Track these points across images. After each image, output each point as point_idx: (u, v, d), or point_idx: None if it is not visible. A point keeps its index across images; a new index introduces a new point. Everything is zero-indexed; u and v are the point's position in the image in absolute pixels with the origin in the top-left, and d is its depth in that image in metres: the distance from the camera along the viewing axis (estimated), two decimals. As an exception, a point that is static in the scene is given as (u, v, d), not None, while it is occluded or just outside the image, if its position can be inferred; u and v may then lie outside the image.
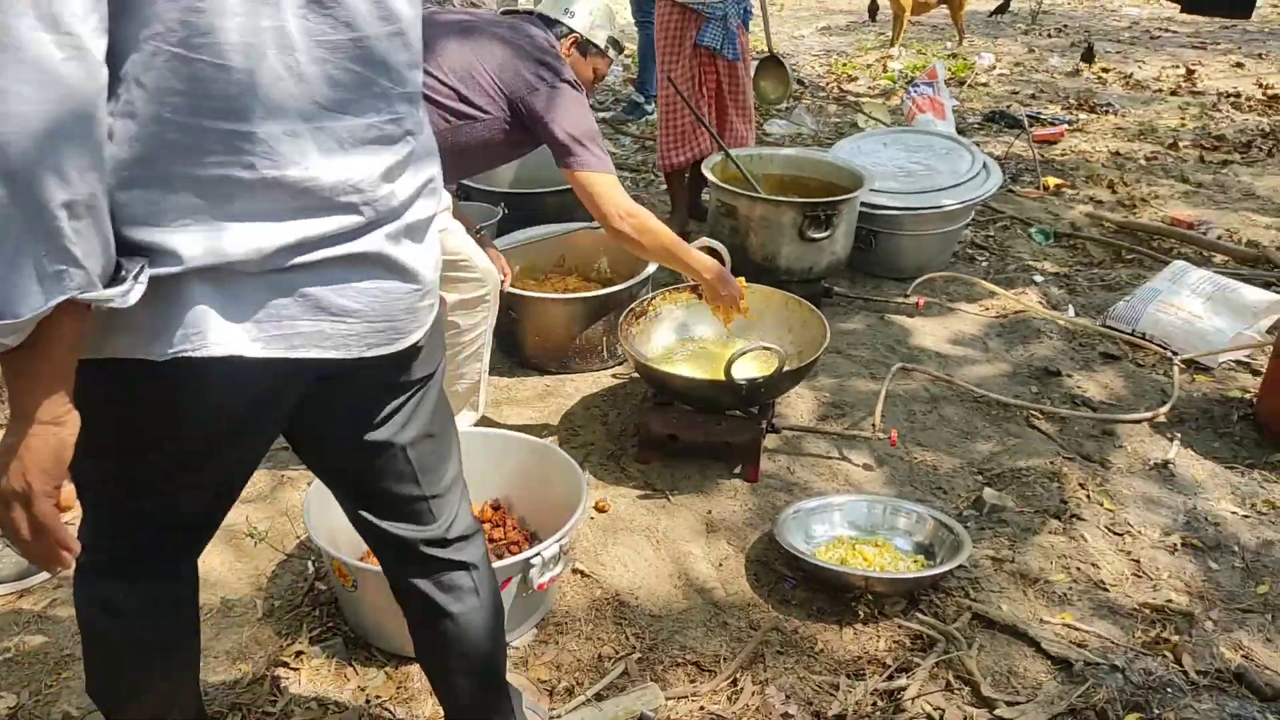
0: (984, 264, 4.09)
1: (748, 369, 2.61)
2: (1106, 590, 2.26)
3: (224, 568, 2.32)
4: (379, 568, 1.52)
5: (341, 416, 1.29)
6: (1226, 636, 2.12)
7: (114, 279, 0.96)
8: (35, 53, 0.85)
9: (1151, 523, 2.51)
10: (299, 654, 2.03)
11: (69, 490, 1.68)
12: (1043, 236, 4.32)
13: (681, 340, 2.97)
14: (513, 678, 1.93)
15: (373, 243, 1.14)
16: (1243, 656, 2.07)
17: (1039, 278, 3.95)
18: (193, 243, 1.00)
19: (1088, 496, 2.60)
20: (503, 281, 2.74)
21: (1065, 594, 2.26)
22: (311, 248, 1.09)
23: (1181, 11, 4.93)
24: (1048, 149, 5.58)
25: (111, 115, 0.94)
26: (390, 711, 1.90)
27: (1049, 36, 8.78)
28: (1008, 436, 2.89)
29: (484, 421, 2.74)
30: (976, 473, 2.72)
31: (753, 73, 4.25)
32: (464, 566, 1.46)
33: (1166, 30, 8.87)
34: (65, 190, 0.88)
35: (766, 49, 4.36)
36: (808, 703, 1.94)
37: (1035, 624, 2.15)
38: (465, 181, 3.48)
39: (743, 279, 2.73)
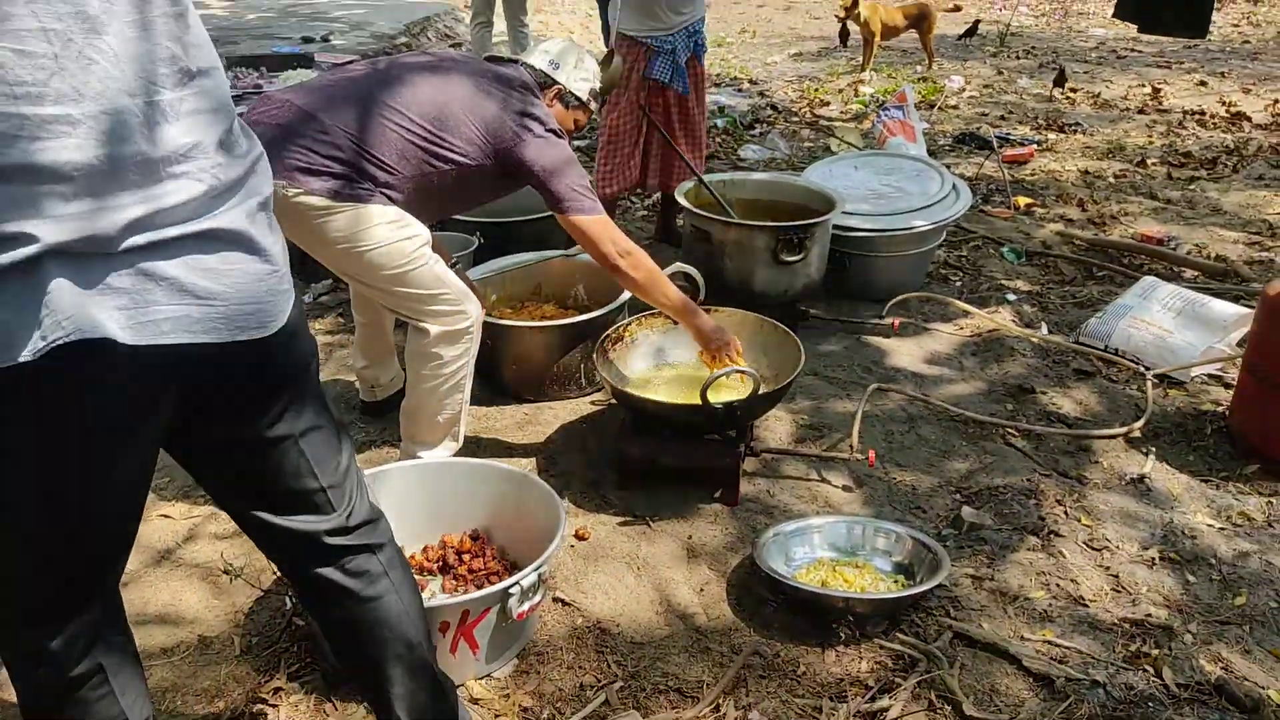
0: (958, 284, 4.12)
1: (725, 393, 2.61)
2: (1086, 606, 2.27)
3: (200, 605, 2.29)
4: None
5: (231, 415, 1.29)
6: (1206, 649, 2.13)
7: None
8: None
9: (1129, 537, 2.53)
10: (277, 690, 2.01)
11: None
12: (1014, 255, 4.35)
13: (658, 365, 2.98)
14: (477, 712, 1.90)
15: (224, 219, 1.16)
16: (1222, 669, 2.08)
17: (1012, 296, 3.98)
18: (41, 226, 1.01)
19: (1065, 513, 2.62)
20: (479, 312, 2.71)
21: (1045, 610, 2.27)
22: (161, 224, 1.11)
23: (1140, 31, 5.02)
24: (1018, 169, 5.65)
25: None
26: (370, 747, 1.86)
27: (1017, 58, 8.92)
28: (985, 454, 2.91)
29: (463, 451, 2.73)
30: (954, 491, 2.73)
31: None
32: (369, 549, 1.45)
33: (1132, 50, 9.03)
34: None
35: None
36: (791, 727, 1.93)
37: (1016, 641, 2.15)
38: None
39: (723, 309, 2.77)
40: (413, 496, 2.32)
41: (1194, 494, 2.70)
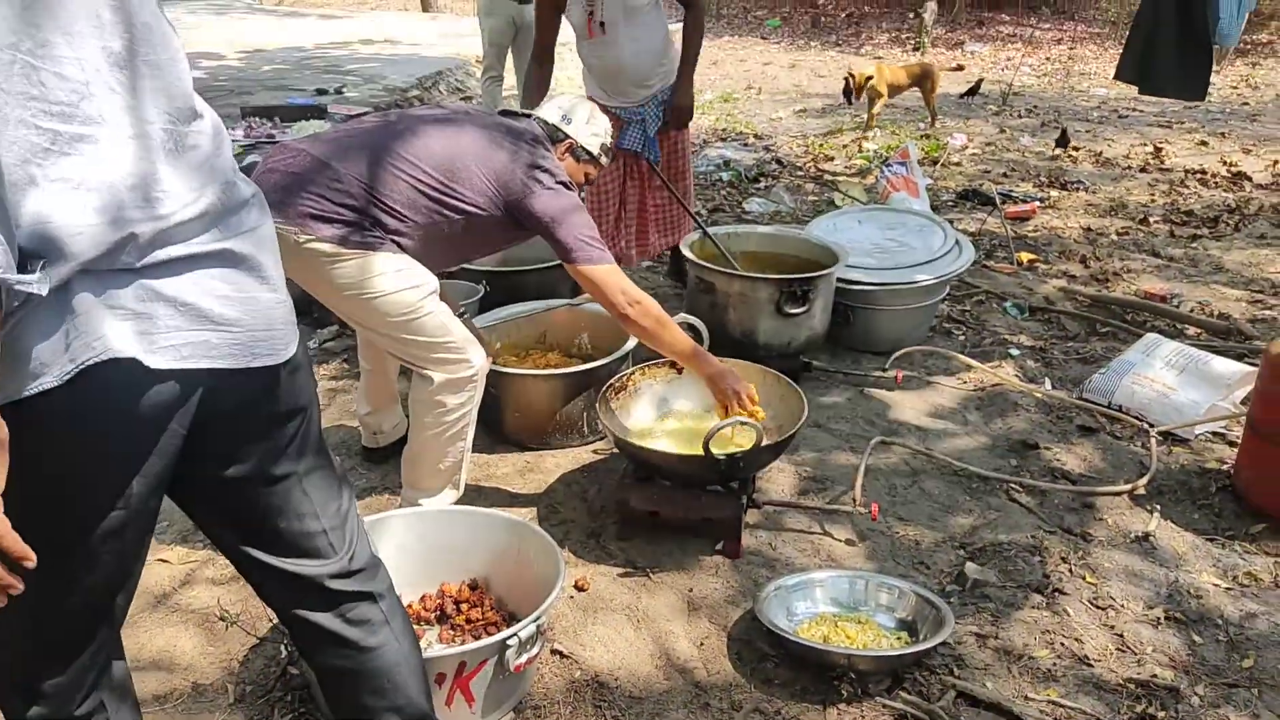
0: (961, 338, 4.10)
1: (728, 444, 2.61)
2: (1091, 666, 2.24)
3: (194, 652, 2.27)
4: None
5: (238, 447, 1.30)
6: (1213, 712, 2.10)
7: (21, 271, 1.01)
8: None
9: (1134, 596, 2.50)
10: (269, 741, 1.94)
11: None
12: (1018, 310, 4.35)
13: (661, 415, 2.95)
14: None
15: (234, 243, 1.21)
16: (1230, 732, 2.03)
17: (1015, 351, 3.96)
18: (72, 241, 1.06)
19: (1070, 570, 2.59)
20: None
21: (1050, 670, 2.24)
22: (175, 239, 1.15)
23: (1140, 93, 5.09)
24: (1020, 225, 5.66)
25: None
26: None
27: (1019, 117, 9.01)
28: (989, 510, 2.88)
29: (464, 499, 2.72)
30: (958, 547, 2.70)
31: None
32: (371, 597, 1.43)
33: (1134, 110, 9.13)
34: None
35: None
36: (791, 786, 1.88)
37: (1020, 701, 2.12)
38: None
39: (727, 360, 2.74)
40: (412, 544, 2.31)
41: (1199, 553, 2.67)
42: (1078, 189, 6.49)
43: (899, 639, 2.30)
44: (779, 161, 7.22)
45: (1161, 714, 2.07)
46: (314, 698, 2.05)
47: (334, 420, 3.37)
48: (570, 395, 3.10)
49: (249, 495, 1.33)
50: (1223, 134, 8.15)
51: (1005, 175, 6.89)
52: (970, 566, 2.56)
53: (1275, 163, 7.10)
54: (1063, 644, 2.32)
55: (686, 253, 3.54)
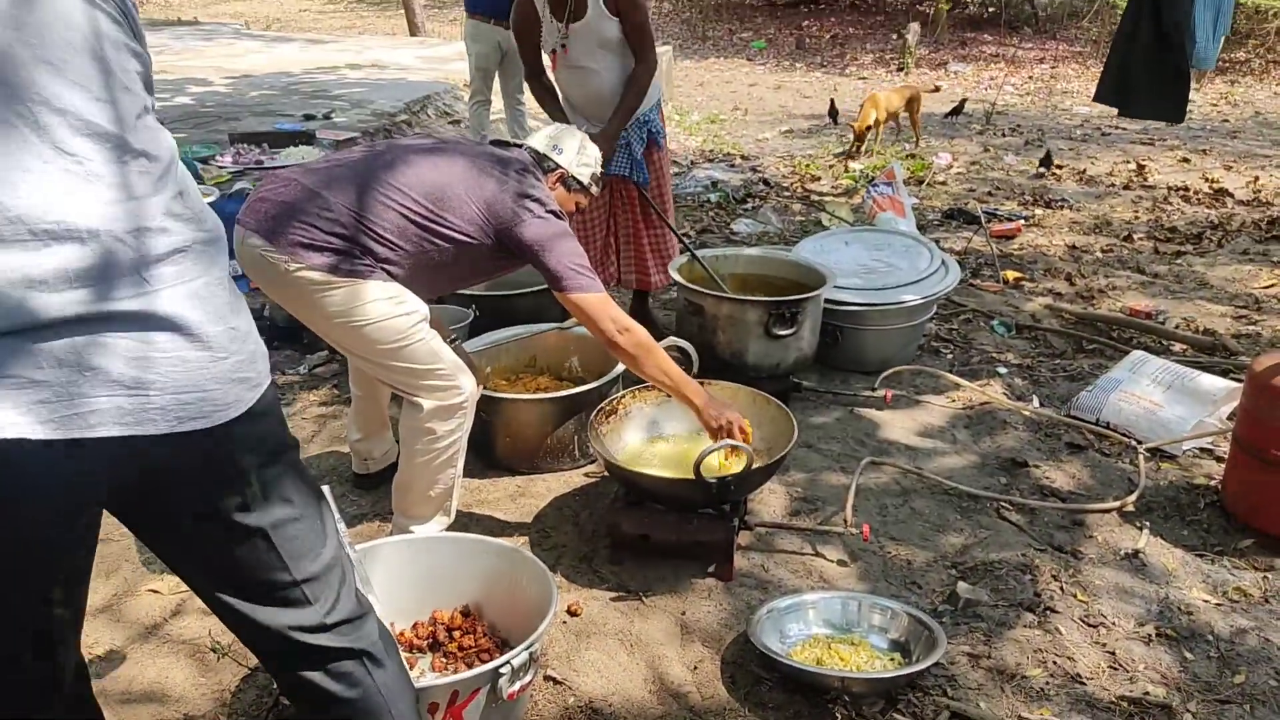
0: (949, 356, 4.10)
1: (718, 467, 2.62)
2: (1084, 684, 2.24)
3: (186, 683, 2.25)
4: None
5: (188, 505, 1.23)
6: (1206, 729, 2.09)
7: None
8: None
9: (1125, 613, 2.51)
10: (262, 774, 1.91)
11: None
12: (1004, 329, 4.35)
13: (652, 439, 2.96)
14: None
15: (157, 301, 1.11)
16: (1223, 749, 2.03)
17: (1003, 369, 3.96)
18: None
19: (1061, 588, 2.59)
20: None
21: (1043, 689, 2.24)
22: (86, 300, 1.05)
23: (1119, 115, 5.14)
24: (1006, 244, 5.67)
25: None
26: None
27: (1003, 135, 9.08)
28: (979, 529, 2.88)
29: (455, 524, 2.70)
30: (950, 566, 2.70)
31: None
32: (353, 655, 1.37)
33: (1116, 128, 9.20)
34: None
35: None
36: (786, 811, 1.87)
37: (1014, 721, 2.10)
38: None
39: (717, 382, 2.77)
40: (404, 572, 2.30)
41: (1189, 569, 2.68)
42: (1062, 207, 6.52)
43: (892, 660, 2.31)
44: (766, 182, 7.22)
45: (1154, 732, 2.06)
46: (306, 728, 2.02)
47: (324, 447, 3.36)
48: (561, 419, 3.09)
49: (209, 547, 1.27)
50: (1204, 151, 8.23)
51: (990, 194, 6.92)
52: (962, 586, 2.56)
53: (1255, 179, 7.17)
54: (1055, 662, 2.32)
55: (675, 275, 3.52)
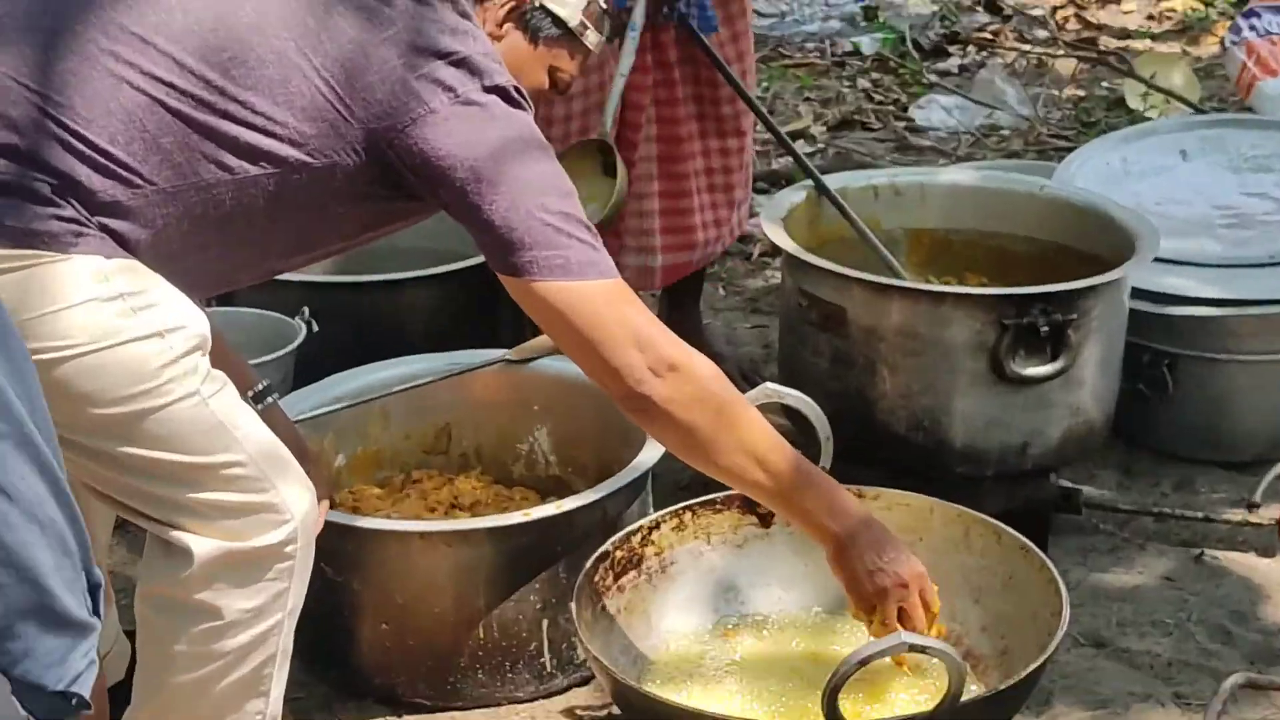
0: None
1: (881, 696, 2.02)
2: None
3: None
4: None
5: None
6: None
7: None
8: None
9: None
10: None
11: None
12: None
13: (724, 624, 2.19)
14: None
15: None
16: None
17: None
18: None
19: None
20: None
21: None
22: None
23: None
24: None
25: None
26: None
27: None
28: None
29: None
30: None
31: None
32: None
33: None
34: None
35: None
36: None
37: None
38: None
39: (878, 491, 2.24)
40: None
41: None
42: None
43: None
44: (992, 8, 5.42)
45: None
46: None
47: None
48: (510, 579, 2.23)
49: None
50: None
51: None
52: None
53: None
54: None
55: (775, 235, 2.62)
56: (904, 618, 1.87)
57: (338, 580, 2.15)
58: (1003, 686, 1.83)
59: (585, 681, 2.28)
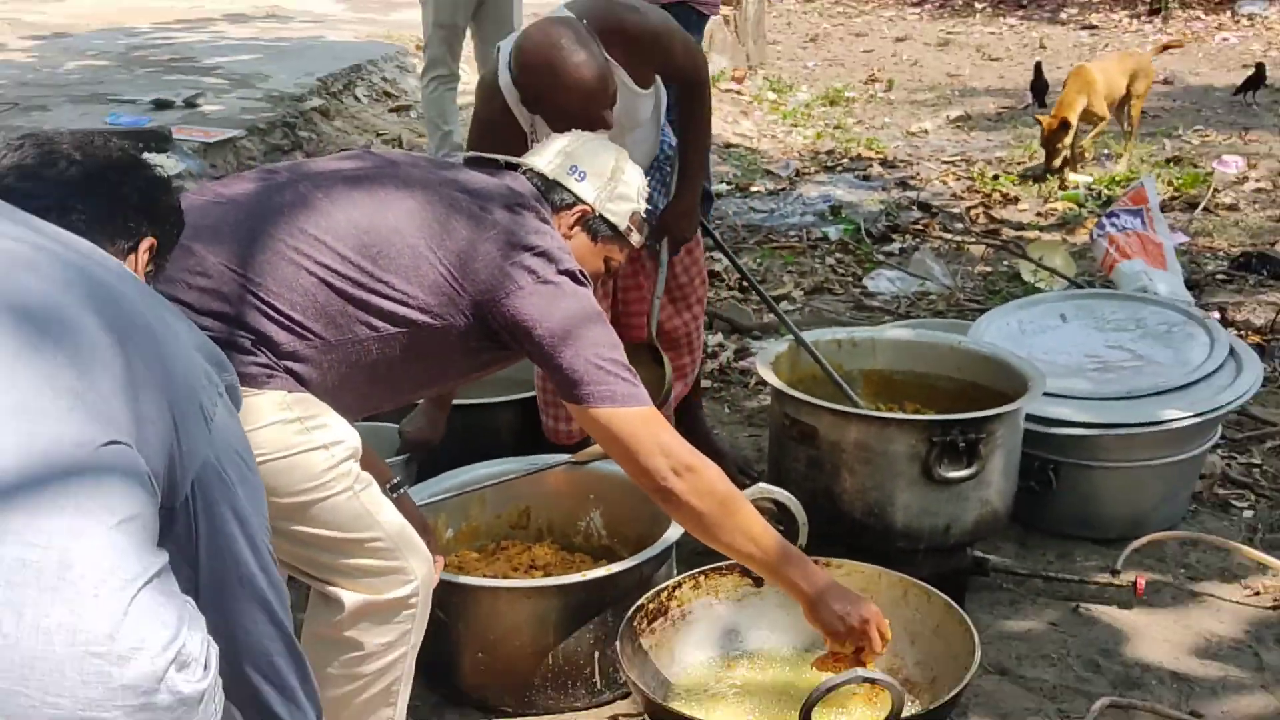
0: (1247, 514, 3.56)
1: (844, 712, 2.38)
2: None
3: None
4: None
5: None
6: None
7: None
8: None
9: None
10: None
11: None
12: (1348, 464, 3.93)
13: (727, 658, 2.65)
14: None
15: None
16: None
17: (1347, 535, 3.54)
18: None
19: None
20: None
21: None
22: None
23: None
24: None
25: None
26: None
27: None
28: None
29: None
30: None
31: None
32: None
33: None
34: None
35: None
36: None
37: None
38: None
39: (840, 562, 2.59)
40: None
41: None
42: None
43: None
44: (924, 207, 6.58)
45: None
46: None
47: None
48: (573, 622, 2.73)
49: None
50: None
51: (1317, 226, 6.39)
52: None
53: None
54: None
55: (766, 374, 3.20)
56: (864, 655, 2.29)
57: (447, 621, 2.66)
58: (933, 706, 2.27)
59: (625, 697, 2.80)
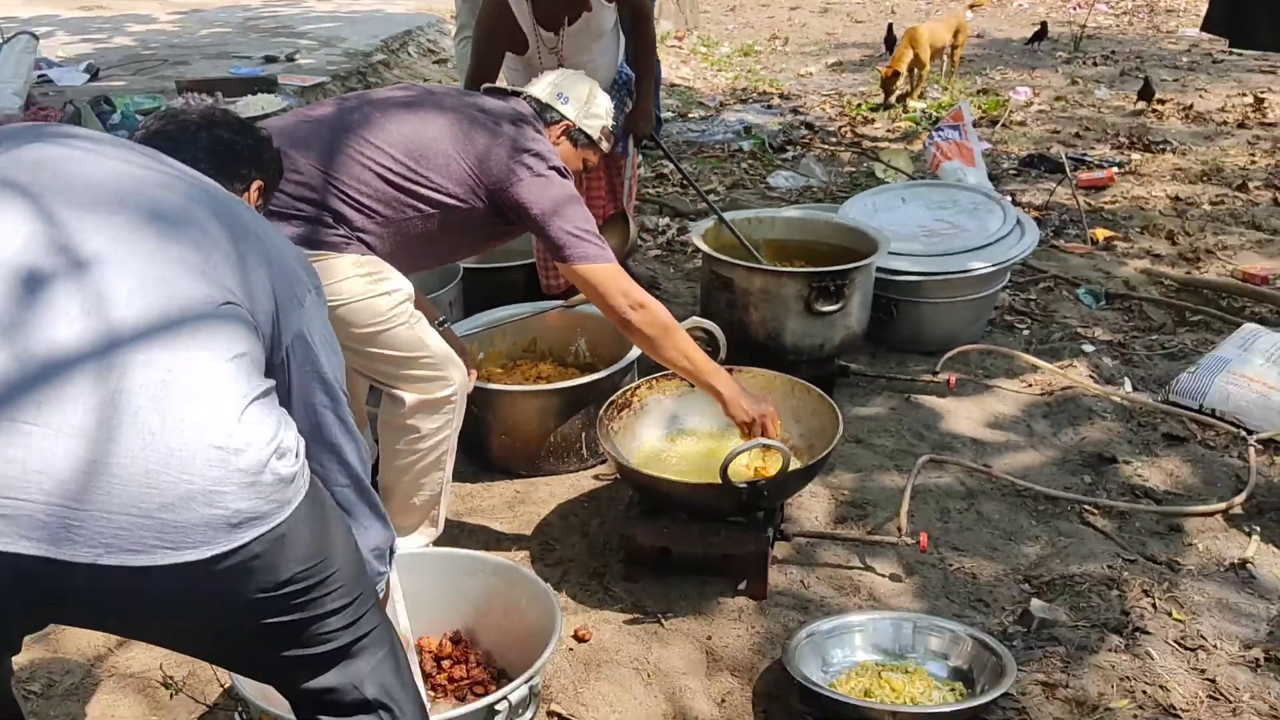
0: (1025, 333, 4.12)
1: (751, 468, 2.65)
2: (1178, 717, 2.27)
3: (135, 722, 2.27)
4: None
5: (147, 632, 1.45)
6: (1321, 769, 2.11)
7: None
8: None
9: (1229, 634, 2.51)
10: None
11: None
12: (1092, 298, 4.38)
13: (671, 435, 3.00)
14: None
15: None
16: (1341, 793, 2.04)
17: (1089, 347, 3.98)
18: None
19: (1153, 605, 2.61)
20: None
21: (1130, 724, 2.22)
22: None
23: (1231, 46, 5.07)
24: (1096, 196, 5.67)
25: None
26: None
27: (1094, 65, 9.01)
28: (1058, 536, 2.89)
29: (443, 537, 2.76)
30: (1022, 581, 2.72)
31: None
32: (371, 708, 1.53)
33: (1230, 55, 9.10)
34: None
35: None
36: None
37: (1095, 761, 2.10)
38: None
39: (748, 369, 2.82)
40: (384, 593, 2.35)
41: (1307, 582, 2.65)
42: (1164, 150, 6.50)
43: (953, 691, 2.33)
44: (809, 126, 7.33)
45: (1260, 773, 2.09)
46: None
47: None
48: (566, 414, 3.13)
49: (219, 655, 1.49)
50: (1337, 81, 8.12)
51: (1078, 136, 6.93)
52: (1036, 604, 2.59)
53: (1399, 114, 7.07)
54: (1144, 692, 2.34)
55: (699, 242, 3.58)
56: (763, 430, 2.59)
57: (480, 415, 3.05)
58: (810, 463, 2.66)
59: (603, 463, 3.23)
